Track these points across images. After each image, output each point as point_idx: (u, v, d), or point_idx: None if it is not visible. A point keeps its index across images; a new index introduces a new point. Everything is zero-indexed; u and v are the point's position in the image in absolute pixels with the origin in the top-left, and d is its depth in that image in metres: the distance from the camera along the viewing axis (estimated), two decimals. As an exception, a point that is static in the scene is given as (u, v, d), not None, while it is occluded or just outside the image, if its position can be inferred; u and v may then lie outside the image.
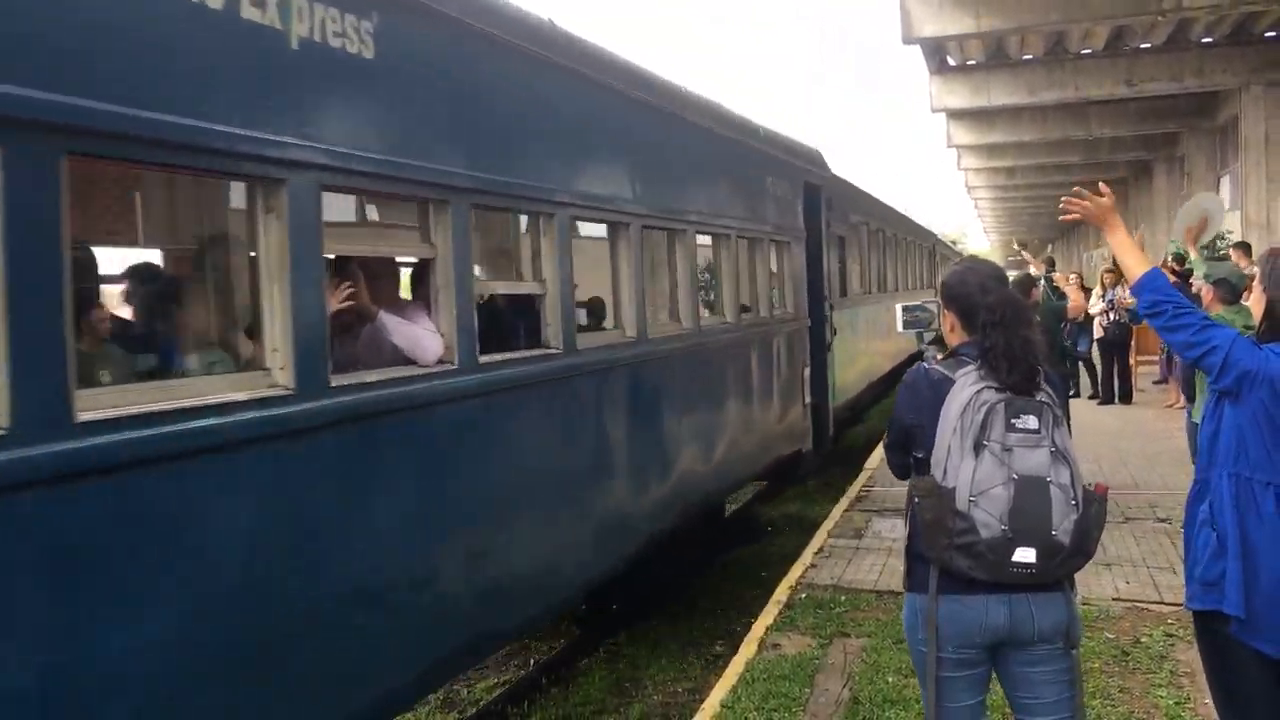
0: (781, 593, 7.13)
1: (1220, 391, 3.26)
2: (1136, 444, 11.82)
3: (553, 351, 5.35)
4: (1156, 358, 15.89)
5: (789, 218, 9.90)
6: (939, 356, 3.41)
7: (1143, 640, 5.91)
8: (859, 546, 8.23)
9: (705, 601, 8.20)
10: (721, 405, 7.93)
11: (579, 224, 5.97)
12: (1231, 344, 3.20)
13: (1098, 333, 15.22)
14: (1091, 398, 15.47)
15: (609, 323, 6.77)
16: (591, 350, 5.81)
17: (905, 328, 4.05)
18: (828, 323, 11.18)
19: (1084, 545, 2.99)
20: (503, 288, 6.08)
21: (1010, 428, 2.97)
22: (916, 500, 3.08)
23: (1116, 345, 15.11)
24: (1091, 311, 15.00)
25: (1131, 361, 15.62)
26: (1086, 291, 15.43)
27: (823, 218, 11.04)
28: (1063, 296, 10.45)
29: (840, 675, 5.65)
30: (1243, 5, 16.20)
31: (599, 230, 6.44)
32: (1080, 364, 16.03)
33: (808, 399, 10.22)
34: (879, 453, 12.58)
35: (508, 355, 5.02)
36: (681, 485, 6.99)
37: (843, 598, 6.93)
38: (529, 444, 5.09)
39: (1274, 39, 20.50)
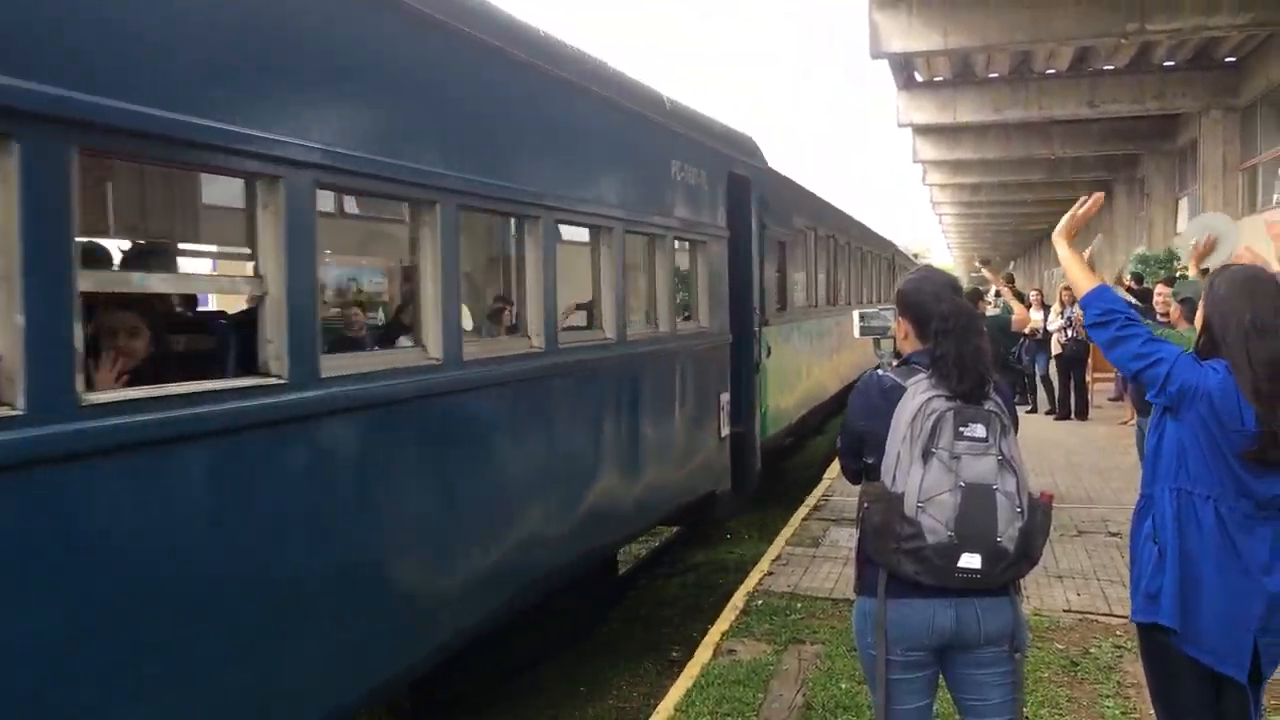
0: (739, 599, 7.17)
1: (1163, 406, 3.34)
2: (1091, 459, 12.00)
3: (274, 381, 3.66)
4: (1113, 375, 16.13)
5: (704, 213, 8.07)
6: (893, 363, 3.47)
7: (1092, 651, 6.01)
8: (815, 555, 8.28)
9: (664, 608, 8.23)
10: (588, 446, 6.16)
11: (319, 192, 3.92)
12: (1176, 359, 3.28)
13: (1055, 349, 15.45)
14: (1049, 413, 15.68)
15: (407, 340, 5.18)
16: (351, 379, 4.05)
17: (862, 334, 4.11)
18: (758, 340, 9.51)
19: (1028, 551, 3.05)
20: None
21: (959, 435, 3.02)
22: (866, 505, 3.13)
23: (1074, 362, 15.32)
24: (1050, 328, 15.23)
25: (1088, 378, 15.86)
26: (1045, 309, 15.67)
27: (753, 216, 9.38)
28: (1027, 304, 10.69)
29: (794, 681, 5.69)
30: (1203, 31, 16.49)
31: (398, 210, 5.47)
32: (1033, 379, 16.27)
33: (725, 430, 8.46)
34: (837, 463, 12.69)
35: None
36: (519, 556, 5.29)
37: (799, 605, 6.98)
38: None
39: (1233, 64, 20.88)
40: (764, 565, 8.02)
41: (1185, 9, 15.45)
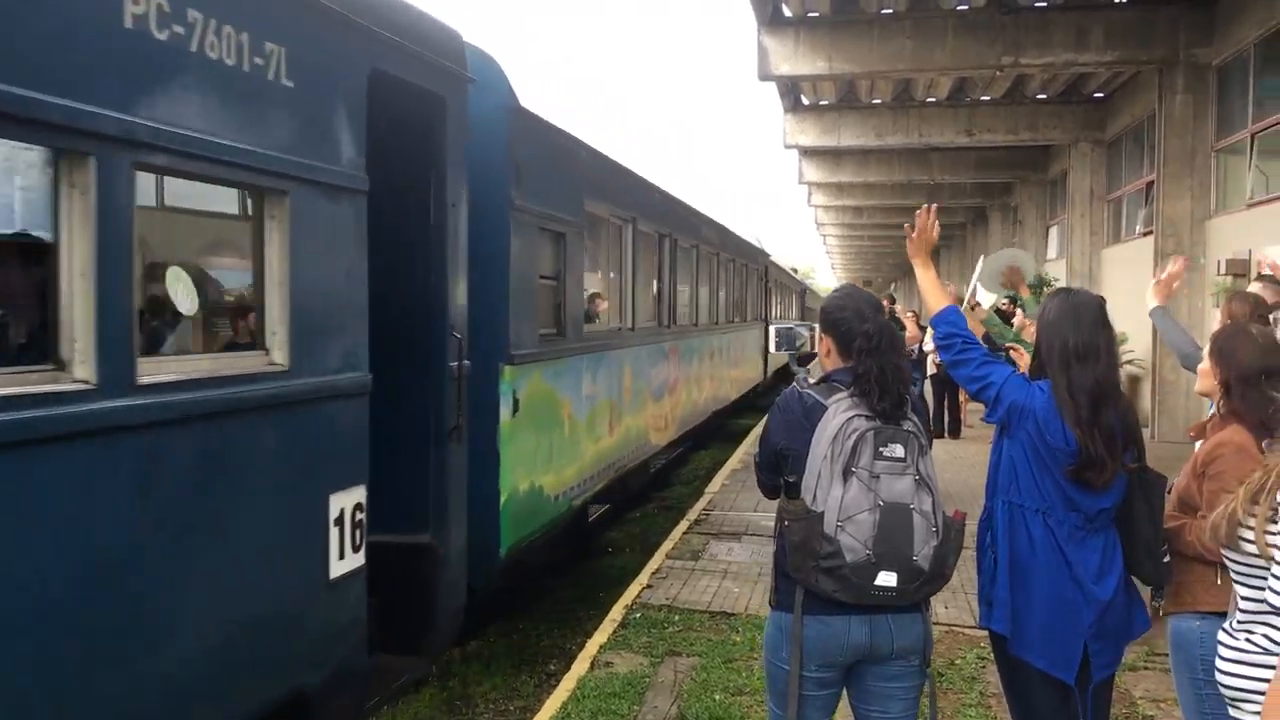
0: (616, 612, 7.20)
1: (998, 424, 3.52)
2: (962, 476, 12.34)
3: None
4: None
5: (282, 139, 4.03)
6: (810, 379, 3.52)
7: (957, 662, 6.20)
8: (695, 568, 8.37)
9: (541, 621, 8.20)
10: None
11: None
12: (1005, 380, 3.48)
13: (930, 369, 15.89)
14: (923, 431, 16.12)
15: None
16: None
17: (777, 349, 4.18)
18: (459, 388, 5.58)
19: (942, 569, 3.13)
20: None
21: (878, 455, 3.07)
22: (786, 523, 3.14)
23: (947, 383, 15.76)
24: (925, 349, 15.67)
25: (961, 398, 16.35)
26: (923, 329, 16.11)
27: (447, 167, 5.51)
28: (902, 328, 10.98)
29: (670, 693, 5.74)
30: (1074, 66, 17.21)
31: None
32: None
33: (351, 561, 4.54)
34: (720, 478, 12.83)
35: None
36: None
37: (676, 618, 7.04)
38: None
39: (1102, 99, 21.84)
40: (643, 578, 8.07)
41: (1056, 45, 16.11)
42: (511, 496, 6.79)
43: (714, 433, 18.13)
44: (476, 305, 6.04)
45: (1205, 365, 3.59)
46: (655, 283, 12.03)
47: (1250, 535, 2.14)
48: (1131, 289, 13.39)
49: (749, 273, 20.80)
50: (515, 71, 6.94)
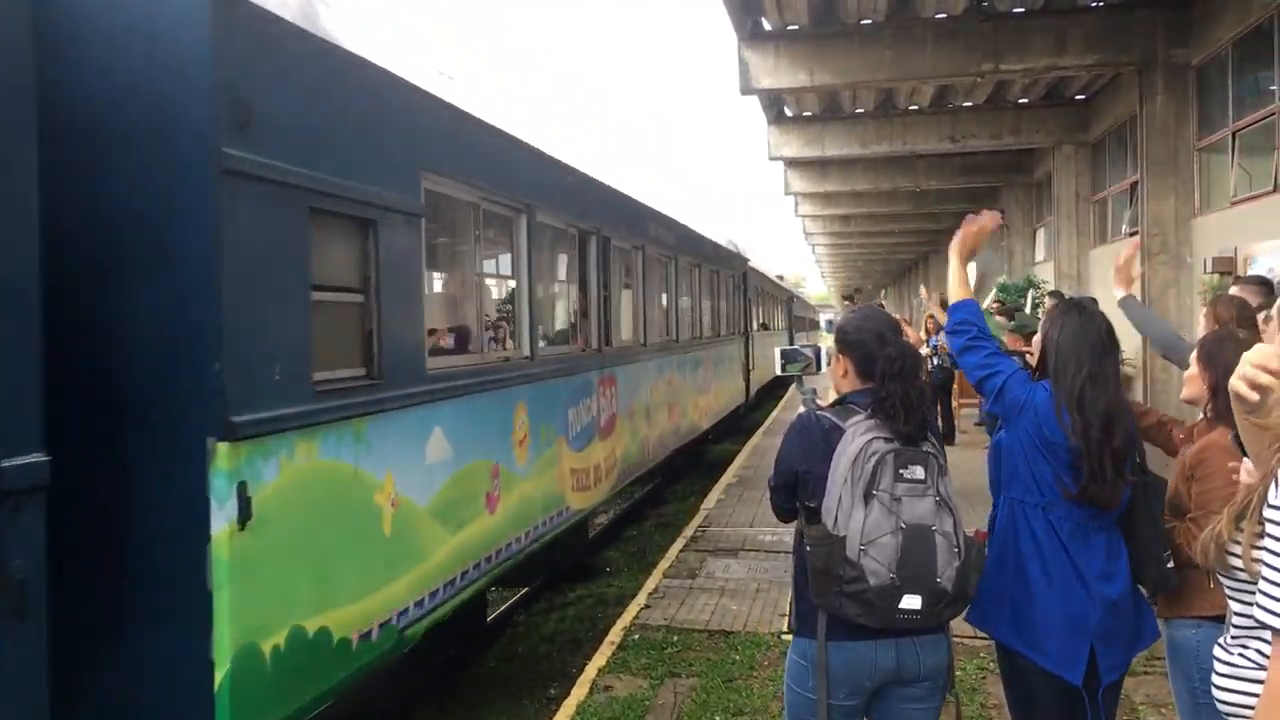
0: (615, 634, 7.19)
1: (999, 416, 3.56)
2: (957, 481, 12.27)
3: None
4: (977, 400, 16.67)
5: None
6: (819, 399, 3.50)
7: (958, 674, 6.17)
8: (692, 586, 8.35)
9: (541, 643, 8.18)
10: None
11: None
12: (1012, 373, 3.52)
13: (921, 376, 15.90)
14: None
15: None
16: None
17: (784, 370, 4.15)
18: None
19: (964, 590, 3.12)
20: None
21: (899, 478, 3.06)
22: (808, 548, 3.12)
23: (940, 388, 15.79)
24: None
25: (954, 403, 16.38)
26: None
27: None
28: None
29: (670, 715, 5.72)
30: (1054, 70, 17.27)
31: None
32: None
33: None
34: (716, 493, 12.81)
35: None
36: None
37: (675, 638, 7.02)
38: None
39: (1083, 102, 21.92)
40: (641, 599, 8.05)
41: (1036, 50, 16.16)
42: (246, 663, 4.00)
43: (682, 470, 16.21)
44: (132, 337, 4.00)
45: (1193, 371, 3.60)
46: (576, 295, 9.63)
47: (1238, 554, 2.14)
48: (1119, 290, 13.39)
49: (721, 280, 18.14)
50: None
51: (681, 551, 9.64)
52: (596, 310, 9.72)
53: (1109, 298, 4.84)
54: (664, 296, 13.29)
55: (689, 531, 10.53)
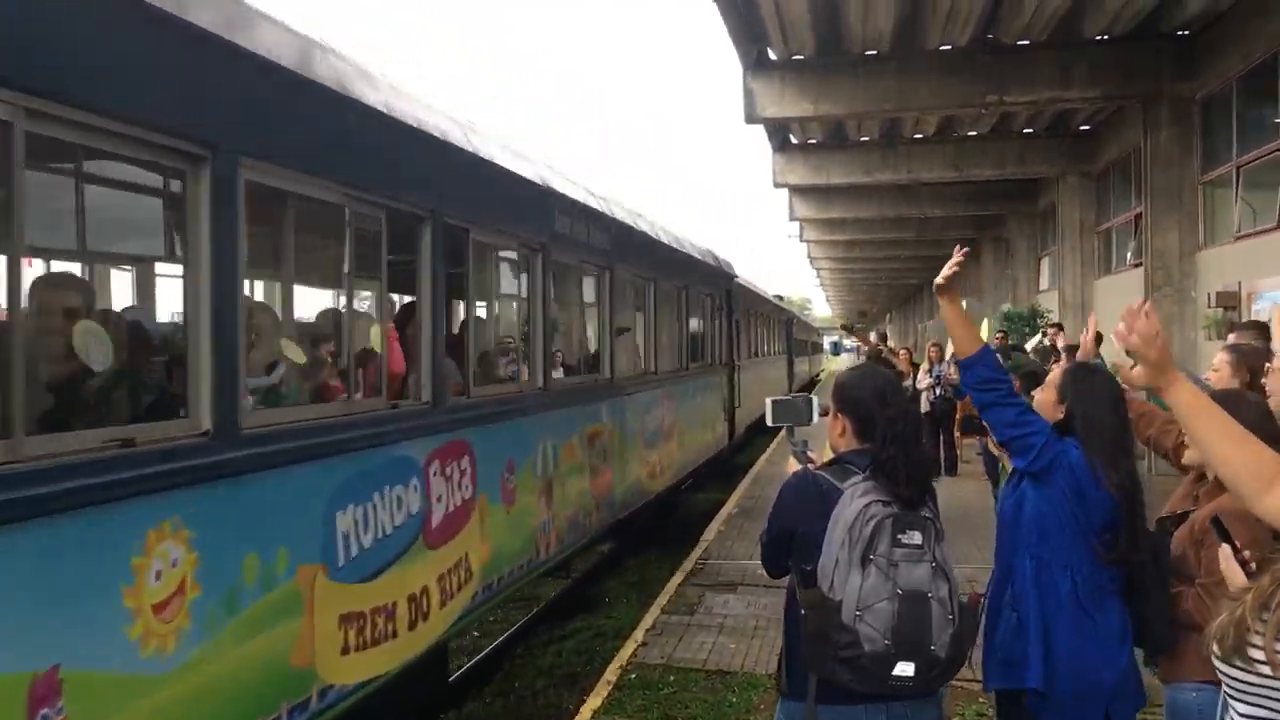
0: (611, 673, 7.11)
1: (1029, 474, 3.50)
2: (959, 516, 12.21)
3: None
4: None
5: None
6: (814, 460, 3.43)
7: (955, 719, 6.12)
8: (690, 623, 8.28)
9: (538, 679, 8.11)
10: None
11: None
12: (1049, 432, 3.50)
13: (924, 407, 15.80)
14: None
15: None
16: None
17: (774, 422, 3.98)
18: None
19: (958, 656, 3.06)
20: None
21: (896, 543, 2.99)
22: (803, 612, 3.07)
23: (942, 419, 15.71)
24: (919, 386, 15.60)
25: (957, 434, 16.27)
26: (915, 366, 16.06)
27: None
28: (893, 366, 10.89)
29: (665, 760, 5.66)
30: (1059, 102, 17.32)
31: None
32: None
33: None
34: (716, 524, 12.73)
35: None
36: None
37: (672, 678, 6.95)
38: None
39: (1087, 133, 21.96)
40: (638, 635, 7.97)
41: (1040, 82, 16.20)
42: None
43: (648, 536, 12.67)
44: None
45: None
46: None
47: (1260, 646, 1.93)
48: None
49: (697, 300, 14.66)
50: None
51: (680, 585, 9.57)
52: (477, 349, 7.06)
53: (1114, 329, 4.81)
54: (585, 323, 10.06)
55: (688, 564, 10.46)
